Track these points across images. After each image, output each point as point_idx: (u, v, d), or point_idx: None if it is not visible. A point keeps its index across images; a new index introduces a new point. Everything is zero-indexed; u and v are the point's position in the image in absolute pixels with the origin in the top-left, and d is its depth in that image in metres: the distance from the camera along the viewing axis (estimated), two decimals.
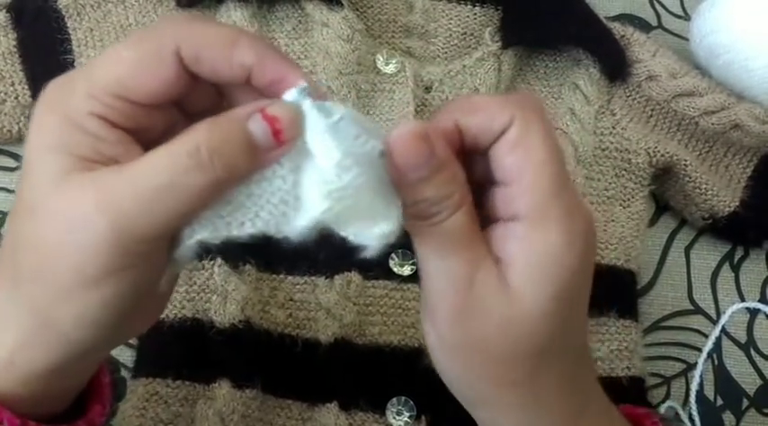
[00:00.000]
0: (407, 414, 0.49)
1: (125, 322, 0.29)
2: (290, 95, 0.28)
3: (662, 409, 0.55)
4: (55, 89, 0.28)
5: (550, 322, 0.29)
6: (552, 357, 0.30)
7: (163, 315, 0.50)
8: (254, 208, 0.28)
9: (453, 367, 0.31)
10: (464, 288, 0.29)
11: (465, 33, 0.61)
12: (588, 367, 0.34)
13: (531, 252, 0.28)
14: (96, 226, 0.26)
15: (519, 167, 0.29)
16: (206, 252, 0.30)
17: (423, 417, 0.49)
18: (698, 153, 0.59)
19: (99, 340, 0.29)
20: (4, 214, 0.57)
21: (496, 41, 0.57)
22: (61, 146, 0.27)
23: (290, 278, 0.52)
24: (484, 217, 0.30)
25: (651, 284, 0.59)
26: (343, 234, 0.28)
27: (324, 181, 0.27)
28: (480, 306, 0.29)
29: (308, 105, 0.28)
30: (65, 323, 0.28)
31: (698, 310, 0.59)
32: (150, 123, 0.29)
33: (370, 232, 0.28)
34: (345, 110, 0.28)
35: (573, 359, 0.31)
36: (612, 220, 0.57)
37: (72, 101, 0.28)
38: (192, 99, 0.30)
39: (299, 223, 0.28)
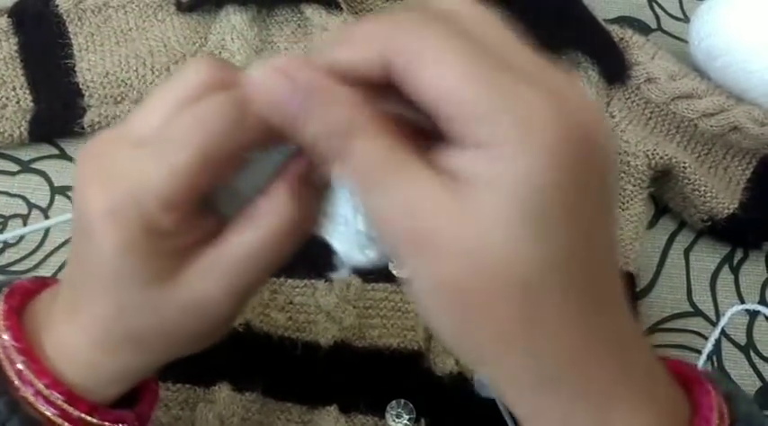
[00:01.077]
0: (407, 417, 0.50)
1: None
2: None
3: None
4: (116, 203, 0.28)
5: (527, 249, 0.23)
6: (548, 297, 0.24)
7: None
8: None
9: (441, 319, 0.26)
10: (420, 217, 0.24)
11: None
12: (618, 314, 0.26)
13: (484, 172, 0.23)
14: (227, 311, 0.30)
15: (433, 92, 0.23)
16: None
17: (422, 420, 0.49)
18: (697, 155, 0.59)
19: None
20: (5, 218, 0.57)
21: None
22: (155, 254, 0.28)
23: (289, 281, 0.52)
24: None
25: (650, 286, 0.60)
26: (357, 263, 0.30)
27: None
28: (440, 238, 0.23)
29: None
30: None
31: (697, 312, 0.59)
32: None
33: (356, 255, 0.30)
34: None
35: (587, 302, 0.25)
36: None
37: (152, 213, 0.27)
38: None
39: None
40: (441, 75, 0.23)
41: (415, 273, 0.25)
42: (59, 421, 0.31)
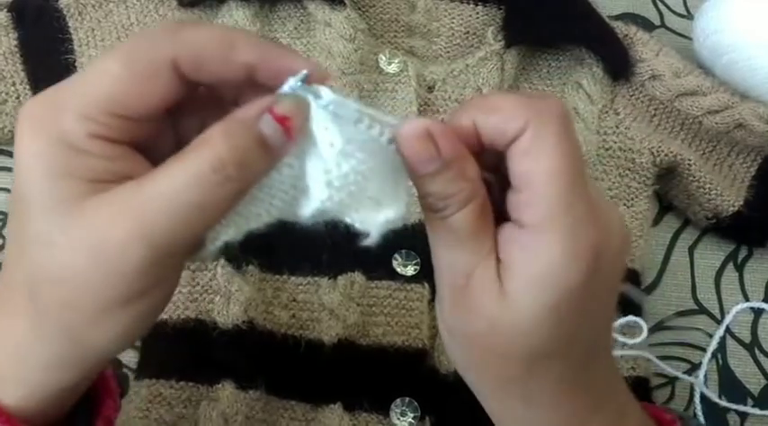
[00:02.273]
0: (411, 415, 0.49)
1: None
2: (290, 84, 0.28)
3: None
4: (39, 111, 0.27)
5: (544, 331, 0.29)
6: (550, 361, 0.30)
7: (166, 316, 0.50)
8: (268, 199, 0.29)
9: (456, 354, 0.32)
10: (462, 282, 0.29)
11: (468, 32, 0.61)
12: (603, 368, 0.33)
13: (530, 263, 0.28)
14: (132, 251, 0.26)
15: (528, 176, 0.28)
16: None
17: (427, 418, 0.49)
18: (701, 152, 0.59)
19: (127, 346, 0.30)
20: (5, 215, 0.56)
21: (499, 41, 0.57)
22: (66, 172, 0.26)
23: (293, 278, 0.52)
24: (504, 212, 0.30)
25: (655, 284, 0.59)
26: (348, 220, 0.29)
27: (324, 170, 0.28)
28: (474, 302, 0.29)
29: (308, 94, 0.28)
30: (101, 340, 0.28)
31: (702, 310, 0.59)
32: (148, 132, 0.29)
33: (374, 219, 0.29)
34: (337, 97, 0.28)
35: (579, 364, 0.31)
36: None
37: (64, 123, 0.26)
38: (187, 103, 0.30)
39: (304, 211, 0.29)
40: (544, 164, 0.28)
41: (448, 314, 0.31)
42: None
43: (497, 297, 0.29)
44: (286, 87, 0.28)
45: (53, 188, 0.26)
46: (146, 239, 0.26)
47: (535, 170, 0.28)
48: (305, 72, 0.28)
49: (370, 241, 0.29)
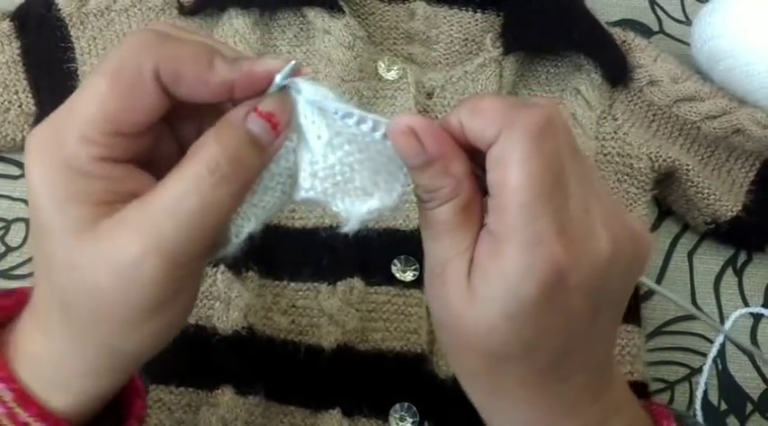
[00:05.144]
0: (410, 420, 0.49)
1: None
2: (276, 81, 0.29)
3: None
4: (42, 139, 0.28)
5: (501, 335, 0.29)
6: (510, 363, 0.30)
7: None
8: (279, 186, 0.30)
9: (441, 339, 0.34)
10: (439, 273, 0.30)
11: (466, 39, 0.61)
12: (584, 380, 0.32)
13: (491, 269, 0.29)
14: (147, 266, 0.27)
15: (497, 184, 0.29)
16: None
17: (426, 423, 0.49)
18: (700, 157, 0.59)
19: (159, 350, 0.31)
20: (7, 222, 0.57)
21: (498, 47, 0.57)
22: (75, 197, 0.27)
23: (292, 284, 0.52)
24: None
25: None
26: (334, 209, 0.31)
27: (311, 162, 0.30)
28: (445, 293, 0.30)
29: (295, 89, 0.30)
30: (133, 348, 0.30)
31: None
32: (147, 146, 0.30)
33: (359, 208, 0.31)
34: (317, 89, 0.30)
35: (544, 371, 0.31)
36: None
37: (67, 149, 0.27)
38: (183, 108, 0.31)
39: (295, 198, 0.31)
40: (510, 176, 0.28)
41: (428, 298, 0.32)
42: (6, 422, 0.30)
43: (464, 294, 0.29)
44: (273, 85, 0.29)
45: (64, 214, 0.27)
46: (159, 251, 0.27)
47: (503, 179, 0.28)
48: (290, 66, 0.29)
49: (349, 229, 0.31)
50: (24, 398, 0.30)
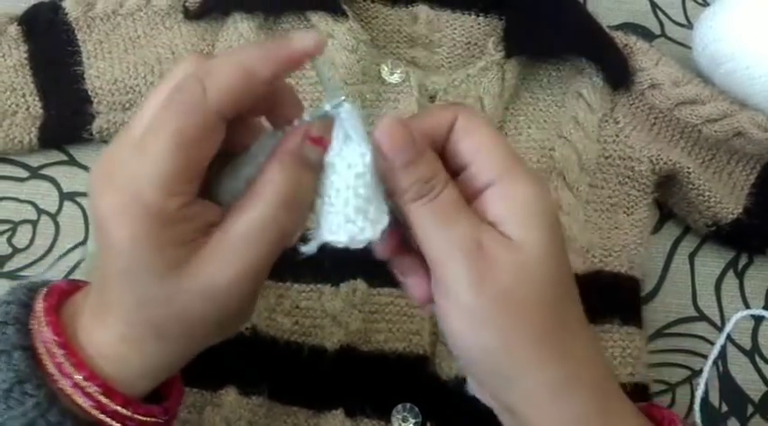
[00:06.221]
0: (413, 421, 0.50)
1: None
2: (326, 109, 0.33)
3: None
4: (119, 203, 0.30)
5: (557, 261, 0.32)
6: (569, 301, 0.33)
7: None
8: (326, 199, 0.34)
9: (485, 335, 0.32)
10: (476, 250, 0.32)
11: (469, 43, 0.62)
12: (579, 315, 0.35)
13: (516, 204, 0.32)
14: (235, 291, 0.31)
15: (475, 146, 0.33)
16: None
17: (428, 423, 0.50)
18: (701, 160, 0.59)
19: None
20: (14, 224, 0.58)
21: (500, 51, 0.58)
22: (170, 243, 0.30)
23: (296, 286, 0.53)
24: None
25: (655, 291, 0.60)
26: (326, 240, 0.33)
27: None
28: (494, 264, 0.31)
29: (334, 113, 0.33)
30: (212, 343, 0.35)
31: (702, 317, 0.59)
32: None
33: (354, 237, 0.33)
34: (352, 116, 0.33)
35: (573, 300, 0.34)
36: (616, 227, 0.57)
37: (155, 207, 0.29)
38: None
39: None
40: (481, 135, 0.34)
41: (468, 289, 0.32)
42: (95, 412, 0.32)
43: (512, 249, 0.32)
44: (320, 111, 0.33)
45: (163, 259, 0.30)
46: (246, 277, 0.31)
47: (478, 139, 0.33)
48: (338, 101, 0.33)
49: (307, 249, 0.33)
50: (110, 391, 0.33)
